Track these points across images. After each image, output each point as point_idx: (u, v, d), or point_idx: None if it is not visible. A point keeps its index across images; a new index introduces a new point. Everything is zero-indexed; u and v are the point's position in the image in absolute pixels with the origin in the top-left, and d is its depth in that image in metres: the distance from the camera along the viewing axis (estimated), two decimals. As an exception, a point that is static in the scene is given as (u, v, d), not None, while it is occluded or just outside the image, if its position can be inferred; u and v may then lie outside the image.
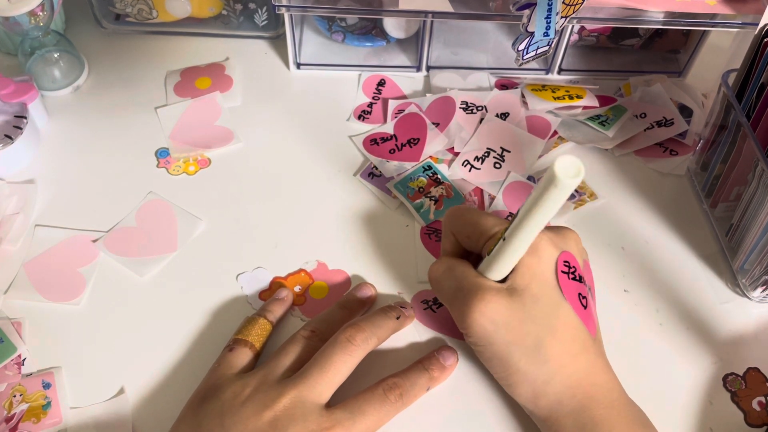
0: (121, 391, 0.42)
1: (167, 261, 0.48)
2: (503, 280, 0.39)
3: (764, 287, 0.47)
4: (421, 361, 0.42)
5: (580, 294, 0.39)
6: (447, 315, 0.46)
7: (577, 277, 0.39)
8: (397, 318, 0.44)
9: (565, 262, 0.39)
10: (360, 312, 0.45)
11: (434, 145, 0.55)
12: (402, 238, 0.50)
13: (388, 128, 0.57)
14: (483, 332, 0.38)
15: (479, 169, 0.54)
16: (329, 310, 0.44)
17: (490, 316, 0.37)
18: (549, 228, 0.40)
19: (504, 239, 0.36)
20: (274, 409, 0.37)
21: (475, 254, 0.42)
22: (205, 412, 0.38)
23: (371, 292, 0.46)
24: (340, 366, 0.39)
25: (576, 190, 0.53)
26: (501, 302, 0.37)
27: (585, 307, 0.39)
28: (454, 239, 0.43)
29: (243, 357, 0.41)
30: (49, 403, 0.41)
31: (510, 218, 0.36)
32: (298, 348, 0.41)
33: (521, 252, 0.37)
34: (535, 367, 0.37)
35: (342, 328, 0.41)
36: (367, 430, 0.38)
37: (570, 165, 0.30)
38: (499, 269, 0.38)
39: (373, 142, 0.56)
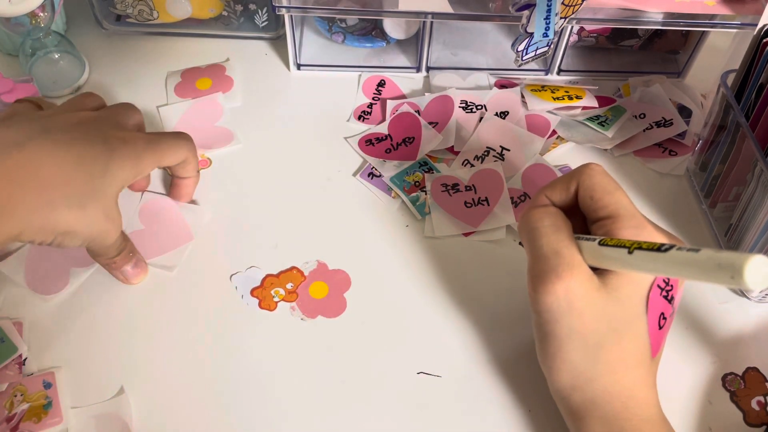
0: (121, 391, 0.42)
1: (188, 250, 0.49)
2: (594, 267, 0.37)
3: (763, 287, 0.47)
4: None
5: (662, 314, 0.38)
6: (460, 201, 0.49)
7: (669, 297, 0.38)
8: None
9: (666, 278, 0.38)
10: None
11: (430, 143, 0.55)
12: (402, 238, 0.51)
13: (383, 128, 0.57)
14: (555, 308, 0.36)
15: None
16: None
17: (569, 297, 0.35)
18: (668, 236, 0.38)
19: (630, 253, 0.33)
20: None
21: (573, 213, 0.40)
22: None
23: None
24: None
25: None
26: (587, 290, 0.36)
27: (660, 328, 0.38)
28: (574, 191, 0.39)
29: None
30: (49, 403, 0.41)
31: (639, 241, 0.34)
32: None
33: (631, 271, 0.35)
34: (585, 363, 0.37)
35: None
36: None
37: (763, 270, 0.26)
38: (600, 263, 0.36)
39: (368, 143, 0.56)
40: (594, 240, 0.36)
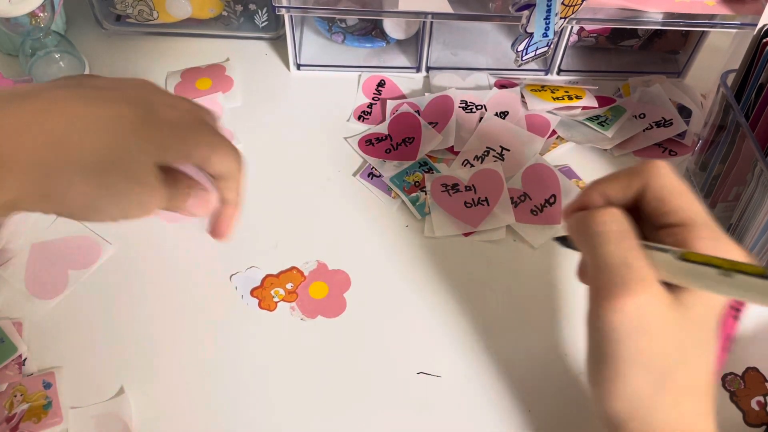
0: (121, 391, 0.42)
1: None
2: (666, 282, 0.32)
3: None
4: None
5: (729, 335, 0.35)
6: (460, 202, 0.50)
7: (739, 319, 0.35)
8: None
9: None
10: None
11: (430, 143, 0.55)
12: (402, 238, 0.51)
13: (383, 128, 0.57)
14: (622, 326, 0.31)
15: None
16: None
17: (640, 316, 0.31)
18: (741, 249, 0.34)
19: (727, 276, 0.29)
20: None
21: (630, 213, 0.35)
22: None
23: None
24: None
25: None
26: (660, 309, 0.31)
27: (723, 351, 0.35)
28: (636, 191, 0.34)
29: None
30: (49, 403, 0.41)
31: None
32: None
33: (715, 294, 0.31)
34: (647, 390, 0.32)
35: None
36: None
37: None
38: (677, 280, 0.31)
39: (368, 143, 0.56)
40: (668, 251, 0.32)
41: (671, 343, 0.31)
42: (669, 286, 0.32)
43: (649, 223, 0.34)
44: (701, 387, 0.33)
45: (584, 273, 0.36)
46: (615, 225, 0.33)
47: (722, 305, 0.33)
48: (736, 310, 0.35)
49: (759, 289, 0.28)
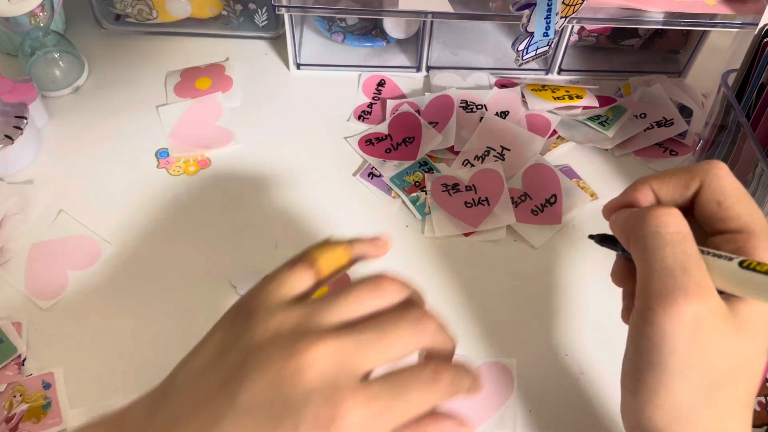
0: (121, 391, 0.42)
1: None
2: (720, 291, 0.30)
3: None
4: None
5: None
6: (460, 202, 0.50)
7: None
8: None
9: None
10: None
11: (430, 143, 0.55)
12: (402, 238, 0.51)
13: (383, 128, 0.57)
14: (675, 334, 0.29)
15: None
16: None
17: (696, 324, 0.29)
18: None
19: None
20: (303, 359, 0.28)
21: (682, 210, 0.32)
22: (234, 335, 0.30)
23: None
24: (402, 339, 0.30)
25: None
26: (717, 318, 0.29)
27: None
28: (693, 192, 0.33)
29: (300, 281, 0.32)
30: (49, 404, 0.41)
31: None
32: (367, 300, 0.32)
33: None
34: (692, 403, 0.30)
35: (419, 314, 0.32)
36: (402, 416, 0.28)
37: None
38: (734, 289, 0.30)
39: (369, 143, 0.56)
40: (729, 259, 0.30)
41: (723, 356, 0.30)
42: (723, 296, 0.30)
43: (701, 226, 0.32)
44: (747, 401, 0.32)
45: (620, 275, 0.35)
46: (675, 227, 0.30)
47: None
48: None
49: None
